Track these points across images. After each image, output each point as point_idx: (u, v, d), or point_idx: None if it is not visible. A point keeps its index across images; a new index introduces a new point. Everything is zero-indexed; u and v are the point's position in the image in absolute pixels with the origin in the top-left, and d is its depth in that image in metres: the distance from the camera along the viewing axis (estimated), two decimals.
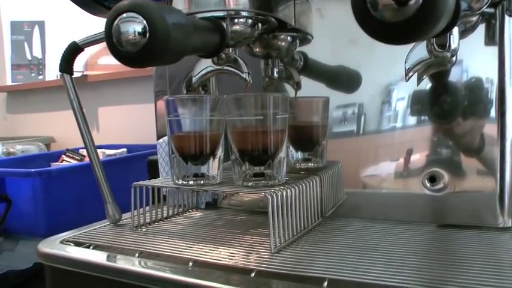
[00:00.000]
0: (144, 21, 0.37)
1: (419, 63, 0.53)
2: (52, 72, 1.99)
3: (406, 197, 0.65)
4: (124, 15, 0.38)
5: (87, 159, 0.67)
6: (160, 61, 0.39)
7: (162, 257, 0.52)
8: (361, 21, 0.32)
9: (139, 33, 0.37)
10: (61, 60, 0.64)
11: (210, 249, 0.53)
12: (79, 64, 1.71)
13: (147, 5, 0.37)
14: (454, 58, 0.53)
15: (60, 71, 0.64)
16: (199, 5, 0.53)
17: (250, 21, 0.56)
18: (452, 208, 0.62)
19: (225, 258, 0.50)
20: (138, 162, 1.08)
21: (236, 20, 0.54)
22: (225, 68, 0.57)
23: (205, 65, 0.59)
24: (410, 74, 0.54)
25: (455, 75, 0.61)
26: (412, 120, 0.64)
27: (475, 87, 0.60)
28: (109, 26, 0.38)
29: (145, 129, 1.35)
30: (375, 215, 0.65)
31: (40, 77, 2.02)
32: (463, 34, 0.57)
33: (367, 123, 0.67)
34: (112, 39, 0.38)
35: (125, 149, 1.39)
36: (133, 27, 0.38)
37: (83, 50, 0.64)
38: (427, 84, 0.62)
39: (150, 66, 0.39)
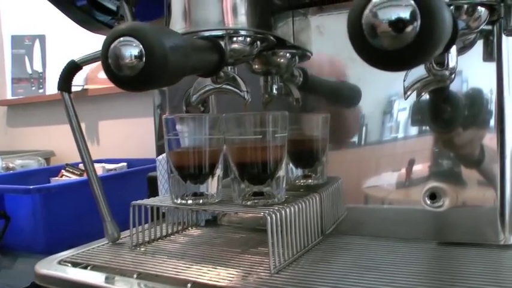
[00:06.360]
0: (141, 45, 0.37)
1: (418, 81, 0.53)
2: (52, 86, 1.99)
3: (407, 213, 0.64)
4: (121, 39, 0.38)
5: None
6: (158, 84, 0.38)
7: (160, 278, 0.52)
8: (359, 50, 0.31)
9: (135, 57, 0.37)
10: (59, 79, 0.64)
11: (209, 270, 0.53)
12: (79, 78, 1.71)
13: (144, 29, 0.37)
14: (452, 76, 0.53)
15: (58, 89, 0.64)
16: (197, 25, 0.52)
17: (249, 39, 0.56)
18: (454, 225, 0.61)
19: (224, 279, 0.49)
20: (137, 178, 1.08)
21: (235, 39, 0.54)
22: (224, 86, 0.57)
23: (204, 83, 0.59)
24: (408, 93, 0.53)
25: (455, 88, 0.61)
26: (413, 131, 0.64)
27: (475, 100, 0.60)
28: (105, 50, 0.38)
29: (145, 143, 1.35)
30: (375, 232, 0.65)
31: (40, 91, 2.02)
32: (461, 50, 0.57)
33: (368, 134, 0.66)
34: (108, 64, 0.38)
35: (125, 164, 1.38)
36: (130, 51, 0.37)
37: (81, 69, 0.64)
38: (427, 96, 0.62)
39: (147, 89, 0.39)
